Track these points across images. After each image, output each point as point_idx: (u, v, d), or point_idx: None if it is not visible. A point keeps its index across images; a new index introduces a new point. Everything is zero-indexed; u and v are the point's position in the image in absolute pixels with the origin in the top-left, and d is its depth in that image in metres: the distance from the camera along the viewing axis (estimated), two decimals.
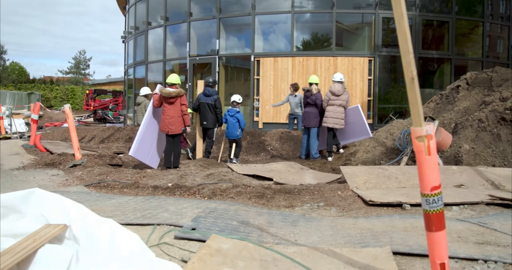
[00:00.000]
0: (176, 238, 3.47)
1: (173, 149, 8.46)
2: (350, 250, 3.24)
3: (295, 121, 13.05)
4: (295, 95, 12.63)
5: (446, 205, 4.82)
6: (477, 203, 4.90)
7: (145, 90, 12.67)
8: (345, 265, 2.94)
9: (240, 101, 10.02)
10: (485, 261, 3.07)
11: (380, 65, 15.00)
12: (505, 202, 4.95)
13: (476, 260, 3.10)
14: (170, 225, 3.82)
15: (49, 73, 72.61)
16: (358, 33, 15.91)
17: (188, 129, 8.75)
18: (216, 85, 10.50)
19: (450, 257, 3.15)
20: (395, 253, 3.20)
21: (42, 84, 43.75)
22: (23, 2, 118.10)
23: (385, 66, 15.53)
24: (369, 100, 14.45)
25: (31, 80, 48.56)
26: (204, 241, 3.29)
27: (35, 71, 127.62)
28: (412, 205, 4.72)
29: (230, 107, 10.06)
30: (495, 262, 3.05)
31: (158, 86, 8.83)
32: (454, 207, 4.79)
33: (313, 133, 10.18)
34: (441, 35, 15.93)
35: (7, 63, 53.81)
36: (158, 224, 3.85)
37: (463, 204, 4.87)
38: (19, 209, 2.58)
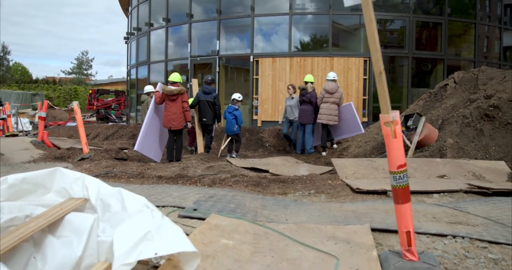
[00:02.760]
0: (180, 216, 3.89)
1: (175, 143, 8.88)
2: (333, 227, 3.64)
3: (290, 128, 11.89)
4: (292, 98, 11.73)
5: (427, 192, 5.24)
6: (456, 191, 5.29)
7: (148, 88, 13.06)
8: (328, 238, 3.34)
9: (240, 99, 10.42)
10: (454, 237, 3.43)
11: None
12: (483, 190, 5.35)
13: (445, 235, 3.46)
14: (174, 207, 4.24)
15: (51, 74, 73.25)
16: (354, 34, 16.26)
17: (189, 125, 9.19)
18: (215, 83, 10.92)
19: (423, 233, 3.55)
20: (374, 230, 3.58)
21: (45, 85, 44.17)
22: (27, 3, 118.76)
23: None
24: (364, 99, 14.82)
25: (34, 81, 49.02)
26: (204, 219, 3.70)
27: (37, 72, 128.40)
28: None
29: (230, 104, 10.49)
30: (463, 237, 3.40)
31: (159, 84, 9.27)
32: (435, 195, 5.19)
33: (308, 130, 10.62)
34: (434, 36, 16.29)
35: (11, 63, 54.47)
36: (163, 206, 4.27)
37: (443, 191, 5.27)
38: (44, 185, 2.99)
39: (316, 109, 10.52)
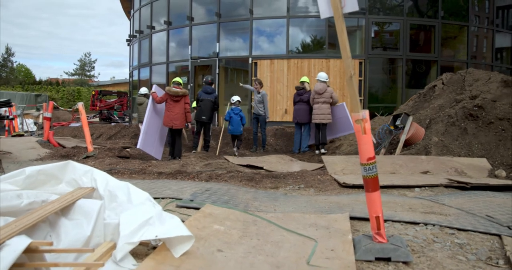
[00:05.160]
0: (177, 206, 4.27)
1: (175, 142, 9.28)
2: (316, 215, 4.01)
3: (258, 124, 12.08)
4: (258, 92, 11.92)
5: (409, 187, 5.62)
6: (437, 185, 5.67)
7: (143, 90, 13.41)
8: (310, 224, 3.71)
9: (240, 101, 10.92)
10: (425, 224, 3.78)
11: (373, 67, 15.71)
12: (461, 185, 5.73)
13: (418, 223, 3.81)
14: (173, 198, 4.63)
15: (54, 75, 73.51)
16: (350, 36, 16.60)
17: (190, 125, 9.60)
18: (214, 84, 11.39)
19: (397, 221, 3.91)
20: (354, 218, 3.95)
21: (49, 86, 44.56)
22: (31, 5, 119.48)
23: (378, 68, 16.25)
24: (360, 100, 15.08)
25: (38, 82, 49.45)
26: (199, 209, 4.08)
27: (41, 73, 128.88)
28: (379, 187, 5.49)
29: (233, 106, 10.93)
30: (433, 225, 3.76)
31: (155, 86, 9.72)
32: (416, 189, 5.57)
33: (305, 129, 11.01)
34: (428, 38, 16.62)
35: (14, 65, 55.00)
36: (163, 198, 4.66)
37: (424, 186, 5.65)
38: (57, 176, 3.38)
39: (312, 109, 10.92)
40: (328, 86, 10.65)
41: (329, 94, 10.51)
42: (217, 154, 10.51)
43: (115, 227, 2.87)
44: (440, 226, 3.75)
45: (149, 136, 9.03)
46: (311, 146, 11.26)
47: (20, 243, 2.11)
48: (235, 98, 11.09)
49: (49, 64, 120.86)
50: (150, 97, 9.51)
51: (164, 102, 9.32)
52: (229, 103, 11.43)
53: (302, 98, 11.11)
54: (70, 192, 3.15)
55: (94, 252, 2.54)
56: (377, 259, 2.94)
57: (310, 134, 11.16)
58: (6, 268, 1.96)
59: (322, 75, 10.75)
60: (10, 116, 14.30)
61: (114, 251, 2.66)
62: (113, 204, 3.14)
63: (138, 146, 8.72)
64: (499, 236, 3.52)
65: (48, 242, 2.18)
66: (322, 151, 10.41)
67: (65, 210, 2.91)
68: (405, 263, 2.89)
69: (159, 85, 17.10)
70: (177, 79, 9.66)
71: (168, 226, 2.86)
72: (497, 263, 2.98)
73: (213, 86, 10.86)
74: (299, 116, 11.16)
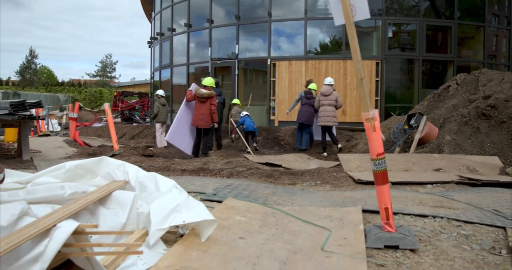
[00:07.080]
0: (201, 200, 4.55)
1: (202, 140, 9.64)
2: (331, 209, 4.27)
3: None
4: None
5: (422, 183, 5.83)
6: (448, 182, 5.87)
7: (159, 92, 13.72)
8: (325, 216, 3.97)
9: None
10: (434, 217, 3.99)
11: (390, 68, 15.85)
12: (472, 181, 5.91)
13: (426, 216, 4.02)
14: (197, 192, 4.94)
15: (76, 76, 74.82)
16: (367, 37, 16.68)
17: (216, 125, 9.94)
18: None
19: (407, 214, 4.14)
20: (366, 211, 4.19)
21: (71, 87, 45.42)
22: (54, 7, 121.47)
23: (394, 68, 16.36)
24: (376, 100, 15.32)
25: (60, 83, 50.38)
26: (222, 202, 4.38)
27: (62, 74, 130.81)
28: (393, 183, 5.70)
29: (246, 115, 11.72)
30: (441, 217, 3.97)
31: (193, 85, 10.02)
32: (428, 185, 5.77)
33: (307, 130, 11.49)
34: (445, 39, 16.69)
35: (38, 67, 56.06)
36: (188, 192, 4.94)
37: (436, 182, 5.85)
38: (93, 170, 3.73)
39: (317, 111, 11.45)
40: (334, 90, 10.99)
41: (335, 97, 10.88)
42: (251, 152, 10.79)
43: (147, 216, 3.17)
44: (448, 218, 3.94)
45: (180, 131, 9.37)
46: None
47: (69, 225, 2.41)
48: (244, 112, 12.04)
49: (70, 66, 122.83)
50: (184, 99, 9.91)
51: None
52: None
53: (310, 102, 11.57)
54: (106, 184, 3.49)
55: (131, 236, 2.85)
56: (386, 246, 3.16)
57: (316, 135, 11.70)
58: (59, 246, 2.26)
59: (328, 80, 11.19)
60: (41, 117, 14.83)
61: (147, 237, 2.96)
62: (143, 193, 3.46)
63: (166, 138, 9.07)
64: (504, 228, 3.68)
65: (93, 225, 2.49)
66: (324, 154, 10.73)
67: (102, 200, 3.23)
68: (412, 250, 3.10)
69: (179, 86, 17.52)
70: (205, 81, 9.94)
71: (194, 211, 3.15)
72: (500, 252, 3.16)
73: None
74: (304, 117, 11.57)
